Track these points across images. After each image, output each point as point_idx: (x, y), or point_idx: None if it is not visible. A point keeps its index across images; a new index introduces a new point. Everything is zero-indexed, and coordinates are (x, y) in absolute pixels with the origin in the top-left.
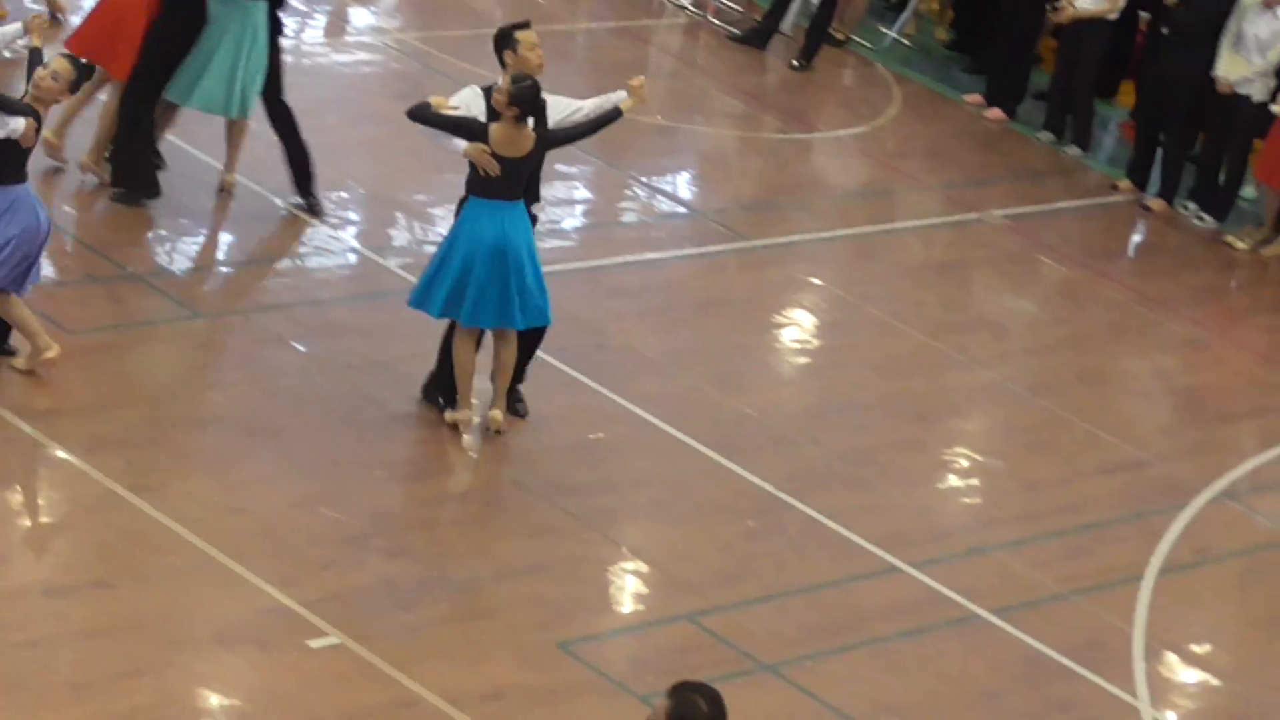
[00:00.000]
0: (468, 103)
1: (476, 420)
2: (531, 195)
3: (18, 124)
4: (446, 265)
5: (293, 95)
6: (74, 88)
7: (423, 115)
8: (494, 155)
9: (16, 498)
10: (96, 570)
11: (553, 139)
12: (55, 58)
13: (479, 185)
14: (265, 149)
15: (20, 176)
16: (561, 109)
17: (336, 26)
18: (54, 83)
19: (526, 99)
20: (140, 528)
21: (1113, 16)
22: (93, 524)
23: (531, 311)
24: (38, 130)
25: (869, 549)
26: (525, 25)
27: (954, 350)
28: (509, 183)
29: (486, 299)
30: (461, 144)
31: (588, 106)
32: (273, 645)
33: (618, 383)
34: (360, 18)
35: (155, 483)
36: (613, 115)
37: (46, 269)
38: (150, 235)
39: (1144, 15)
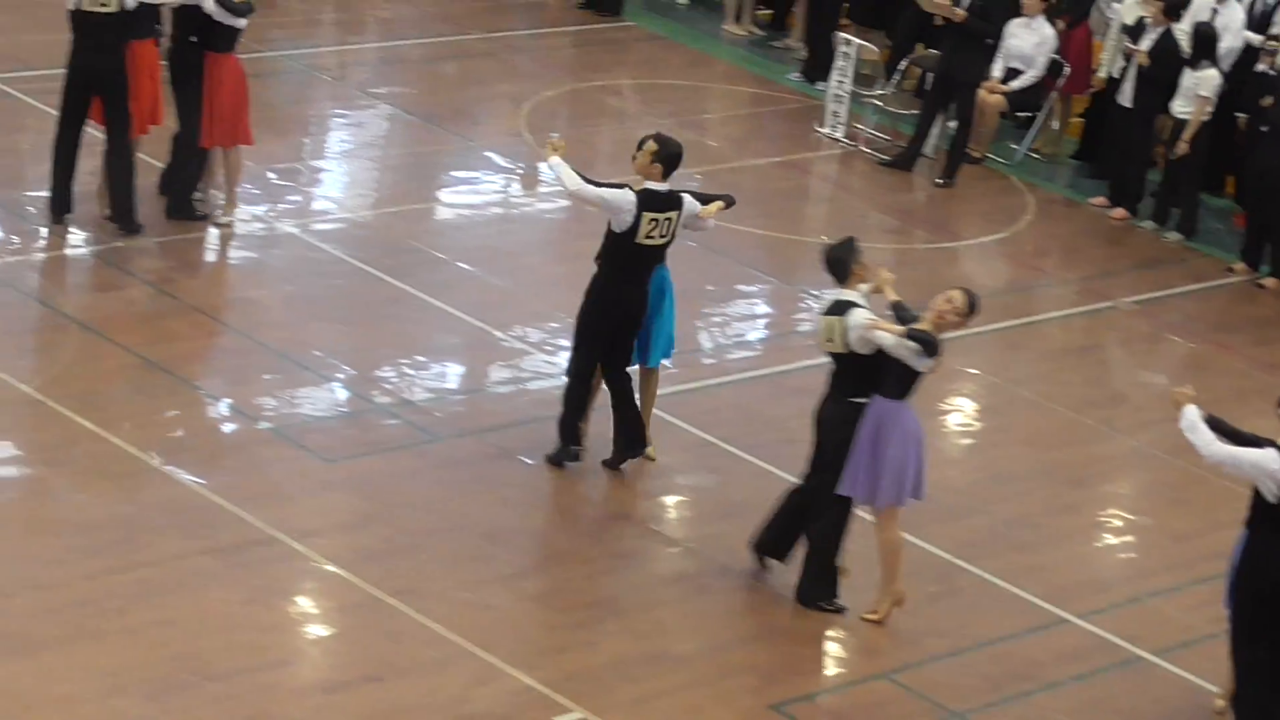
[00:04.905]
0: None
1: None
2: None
3: (929, 364)
4: None
5: (504, 240)
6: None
7: None
8: None
9: (293, 607)
10: (366, 667)
11: None
12: (955, 288)
13: None
14: (482, 289)
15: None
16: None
17: (530, 180)
18: (957, 318)
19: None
20: (400, 627)
21: (1204, 118)
22: (359, 626)
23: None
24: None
25: (1039, 604)
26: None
27: (1098, 423)
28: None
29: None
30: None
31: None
32: None
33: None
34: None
35: (409, 586)
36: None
37: (309, 405)
38: (389, 369)
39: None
